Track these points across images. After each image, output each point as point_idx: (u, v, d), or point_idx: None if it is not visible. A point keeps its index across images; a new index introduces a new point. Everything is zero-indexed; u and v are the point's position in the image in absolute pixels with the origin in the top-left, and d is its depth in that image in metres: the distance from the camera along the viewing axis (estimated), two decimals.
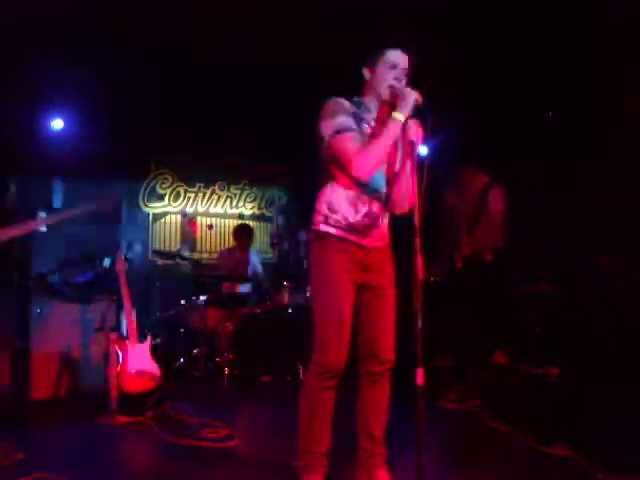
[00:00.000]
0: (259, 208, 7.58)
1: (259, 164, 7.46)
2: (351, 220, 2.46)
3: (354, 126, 2.43)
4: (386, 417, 2.56)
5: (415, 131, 2.39)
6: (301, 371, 4.77)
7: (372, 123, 2.51)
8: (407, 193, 2.44)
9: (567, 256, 5.02)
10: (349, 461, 2.60)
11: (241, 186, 7.48)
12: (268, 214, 7.62)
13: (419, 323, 2.13)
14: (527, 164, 5.15)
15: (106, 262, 4.31)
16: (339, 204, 2.47)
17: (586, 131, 4.87)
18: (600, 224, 4.65)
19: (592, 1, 4.04)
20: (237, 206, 7.42)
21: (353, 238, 2.47)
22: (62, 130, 5.92)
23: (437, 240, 4.83)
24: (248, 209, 7.48)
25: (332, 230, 2.47)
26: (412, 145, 2.38)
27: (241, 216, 7.11)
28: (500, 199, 4.57)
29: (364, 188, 2.46)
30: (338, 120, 2.41)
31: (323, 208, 2.50)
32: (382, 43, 2.49)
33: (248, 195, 7.51)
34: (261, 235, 7.34)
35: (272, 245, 6.83)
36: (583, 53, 4.49)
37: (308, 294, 5.21)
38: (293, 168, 7.37)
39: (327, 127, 2.43)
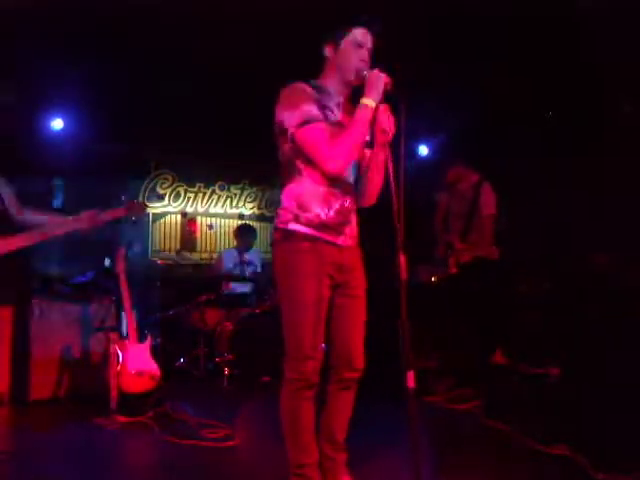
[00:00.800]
0: (259, 208, 7.58)
1: (259, 164, 7.46)
2: (324, 217, 2.25)
3: (320, 116, 2.20)
4: (348, 423, 2.42)
5: (387, 118, 2.21)
6: None
7: (335, 110, 2.29)
8: (376, 186, 2.30)
9: (565, 255, 5.02)
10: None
11: (241, 186, 7.48)
12: (268, 214, 7.62)
13: (405, 325, 2.03)
14: (524, 162, 5.16)
15: (106, 262, 4.31)
16: (309, 201, 2.25)
17: (583, 129, 4.87)
18: (598, 223, 4.66)
19: (592, 1, 4.05)
20: (237, 206, 7.42)
21: (327, 237, 2.26)
22: (62, 130, 5.92)
23: (431, 240, 4.80)
24: (248, 209, 7.48)
25: (303, 229, 2.25)
26: (384, 133, 2.21)
27: (241, 216, 7.12)
28: (491, 200, 4.42)
29: (335, 182, 2.26)
30: (302, 109, 2.18)
31: (292, 206, 2.28)
32: (347, 21, 2.28)
33: (248, 195, 7.51)
34: (261, 235, 7.34)
35: (272, 245, 6.82)
36: (581, 52, 4.49)
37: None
38: None
39: (290, 118, 2.20)
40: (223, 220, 7.32)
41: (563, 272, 4.97)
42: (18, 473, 2.70)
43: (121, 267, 3.98)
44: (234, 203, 7.41)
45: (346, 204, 2.31)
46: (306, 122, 2.18)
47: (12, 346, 3.78)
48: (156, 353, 4.01)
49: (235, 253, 5.96)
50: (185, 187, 7.09)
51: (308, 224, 2.26)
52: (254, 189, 7.54)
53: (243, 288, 5.68)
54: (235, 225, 6.75)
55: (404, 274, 2.08)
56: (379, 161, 2.30)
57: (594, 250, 4.74)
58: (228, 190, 7.37)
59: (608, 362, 4.06)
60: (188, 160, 7.01)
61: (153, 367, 3.84)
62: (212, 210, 7.26)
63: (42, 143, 5.77)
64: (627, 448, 2.98)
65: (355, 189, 2.38)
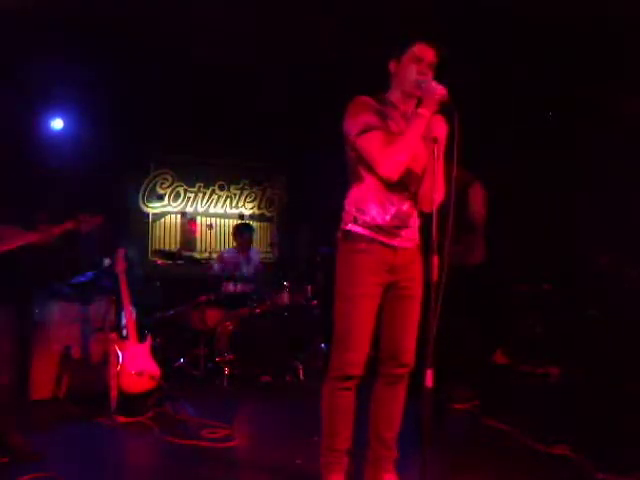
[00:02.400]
0: (259, 208, 7.58)
1: (259, 164, 7.47)
2: (380, 221, 2.41)
3: (379, 124, 2.36)
4: (399, 421, 2.52)
5: (439, 127, 2.34)
6: (301, 371, 4.77)
7: (400, 121, 2.43)
8: (432, 192, 2.32)
9: (566, 256, 5.02)
10: (359, 461, 2.58)
11: (241, 186, 7.47)
12: (268, 214, 7.62)
13: (434, 325, 2.12)
14: (526, 164, 5.16)
15: (106, 262, 4.31)
16: (367, 205, 2.42)
17: (585, 131, 4.87)
18: (599, 224, 4.66)
19: (592, 1, 4.04)
20: (237, 206, 7.42)
21: (382, 238, 2.41)
22: (62, 130, 5.92)
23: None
24: (248, 209, 7.48)
25: (360, 230, 2.42)
26: (436, 142, 2.31)
27: (241, 216, 7.11)
28: (481, 199, 4.29)
29: (392, 188, 2.40)
30: (362, 119, 2.36)
31: (351, 208, 2.46)
32: (408, 36, 2.42)
33: (248, 195, 7.51)
34: (261, 235, 7.34)
35: (272, 245, 6.82)
36: (583, 53, 4.49)
37: (308, 294, 5.21)
38: (293, 168, 7.38)
39: (352, 127, 2.38)
40: (223, 220, 7.32)
41: (563, 272, 4.97)
42: (18, 473, 2.70)
43: (121, 267, 3.98)
44: (234, 203, 7.41)
45: (404, 208, 2.44)
46: (365, 130, 2.35)
47: (12, 346, 3.77)
48: (156, 353, 4.01)
49: (235, 253, 5.96)
50: (185, 187, 7.08)
51: (365, 226, 2.42)
52: (254, 189, 7.54)
53: (243, 288, 5.68)
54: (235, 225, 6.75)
55: (436, 275, 2.16)
56: (430, 169, 2.39)
57: (595, 250, 4.74)
58: (228, 190, 7.37)
59: (608, 362, 4.06)
60: (188, 160, 7.02)
61: (153, 367, 3.84)
62: (212, 210, 7.26)
63: (42, 143, 5.77)
64: (627, 448, 2.99)
65: (415, 195, 2.49)
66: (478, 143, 5.37)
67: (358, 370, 2.39)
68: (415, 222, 2.51)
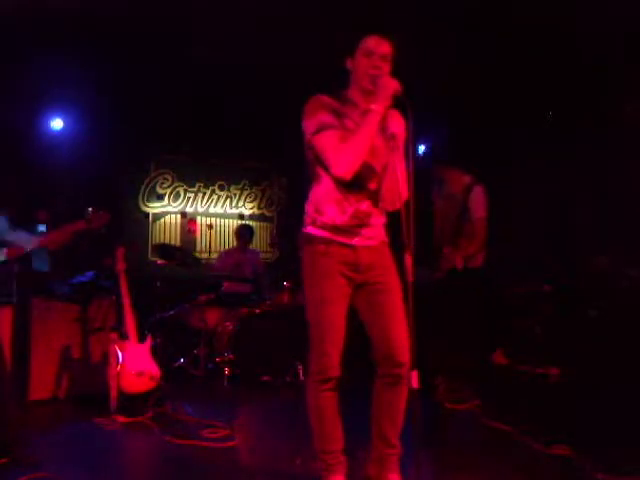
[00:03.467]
0: (259, 208, 7.58)
1: (259, 164, 7.47)
2: (338, 221, 2.37)
3: (334, 123, 2.32)
4: (402, 419, 2.47)
5: (396, 123, 2.30)
6: (301, 371, 4.77)
7: (356, 118, 2.36)
8: (395, 189, 2.30)
9: (566, 256, 5.02)
10: (360, 462, 2.59)
11: (241, 186, 7.48)
12: (268, 214, 7.63)
13: (412, 326, 2.08)
14: (526, 164, 5.16)
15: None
16: (325, 205, 2.39)
17: (586, 131, 4.87)
18: (599, 224, 4.66)
19: (593, 4, 4.04)
20: (237, 206, 7.42)
21: (340, 239, 2.38)
22: (62, 130, 5.92)
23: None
24: (248, 209, 7.48)
25: (319, 232, 2.40)
26: (393, 138, 2.29)
27: (241, 216, 7.11)
28: (482, 203, 4.22)
29: (350, 187, 2.35)
30: (318, 118, 2.32)
31: (310, 210, 2.45)
32: (359, 32, 2.38)
33: (248, 195, 7.52)
34: (261, 235, 7.34)
35: (272, 245, 6.83)
36: (584, 53, 4.49)
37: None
38: (293, 168, 7.37)
39: (308, 126, 2.35)
40: (223, 220, 7.32)
41: (563, 273, 4.97)
42: (17, 473, 2.69)
43: (121, 267, 3.97)
44: (234, 203, 7.41)
45: (362, 207, 2.39)
46: (320, 130, 2.31)
47: (12, 346, 3.78)
48: (156, 353, 4.00)
49: (235, 253, 5.96)
50: (185, 187, 7.09)
51: (323, 227, 2.40)
52: (254, 189, 7.54)
53: (243, 288, 5.68)
54: (235, 225, 6.75)
55: (411, 276, 2.11)
56: (392, 165, 2.34)
57: (595, 251, 4.74)
58: (228, 190, 7.38)
59: (608, 362, 4.06)
60: (188, 160, 7.02)
61: (153, 367, 3.83)
62: (212, 210, 7.27)
63: (42, 143, 5.77)
64: (627, 448, 2.99)
65: (374, 193, 2.43)
66: (478, 143, 5.38)
67: (336, 372, 2.39)
68: (377, 220, 2.46)
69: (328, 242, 2.39)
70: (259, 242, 7.15)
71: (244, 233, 6.03)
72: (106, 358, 3.94)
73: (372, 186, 2.42)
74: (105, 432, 3.46)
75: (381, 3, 4.10)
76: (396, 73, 2.31)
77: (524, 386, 4.42)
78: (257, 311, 5.06)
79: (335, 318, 2.39)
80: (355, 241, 2.39)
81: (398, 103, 2.24)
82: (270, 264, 6.86)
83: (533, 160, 5.16)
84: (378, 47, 2.33)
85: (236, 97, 5.70)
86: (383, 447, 2.49)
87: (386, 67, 2.33)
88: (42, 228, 5.79)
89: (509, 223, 5.12)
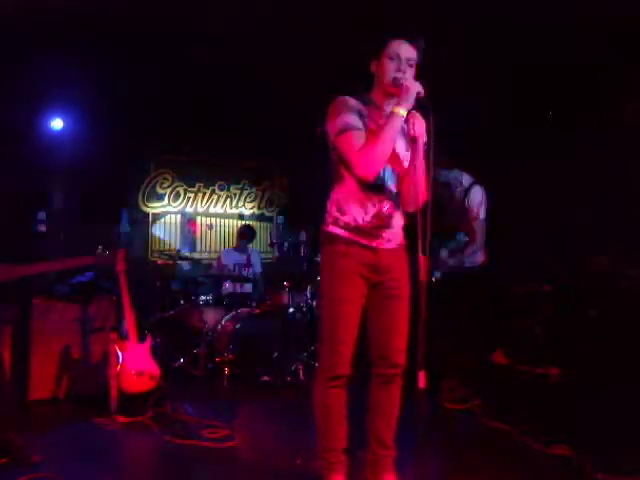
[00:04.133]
0: (259, 208, 7.59)
1: (259, 164, 7.47)
2: (360, 222, 2.40)
3: (358, 124, 2.35)
4: (395, 422, 2.52)
5: (417, 125, 2.33)
6: (301, 371, 4.77)
7: (379, 120, 2.40)
8: (415, 191, 2.33)
9: (566, 256, 5.02)
10: (359, 462, 2.59)
11: (241, 186, 7.48)
12: (268, 214, 7.63)
13: (423, 326, 2.12)
14: (526, 164, 5.16)
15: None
16: (348, 205, 2.42)
17: (586, 131, 4.87)
18: (599, 224, 4.66)
19: (593, 4, 4.04)
20: (237, 206, 7.42)
21: (361, 240, 2.41)
22: (62, 130, 5.92)
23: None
24: (248, 209, 7.48)
25: (340, 232, 2.43)
26: (414, 141, 2.33)
27: (241, 216, 7.12)
28: (480, 203, 4.16)
29: (372, 188, 2.39)
30: (342, 119, 2.35)
31: (333, 209, 2.47)
32: (386, 34, 2.39)
33: (248, 195, 7.52)
34: (261, 235, 7.34)
35: (272, 245, 6.82)
36: (584, 53, 4.49)
37: (308, 294, 5.21)
38: (293, 168, 7.38)
39: (332, 127, 2.38)
40: (223, 220, 7.32)
41: (563, 273, 4.97)
42: (17, 473, 2.70)
43: (121, 267, 3.97)
44: (234, 203, 7.42)
45: (384, 209, 2.42)
46: (343, 130, 2.34)
47: (12, 346, 3.78)
48: (156, 353, 4.00)
49: (235, 253, 5.97)
50: (185, 187, 7.09)
51: (345, 227, 2.43)
52: (254, 189, 7.55)
53: (243, 288, 5.68)
54: (235, 225, 6.76)
55: (424, 275, 2.15)
56: (413, 167, 2.39)
57: (597, 252, 4.73)
58: (228, 190, 7.38)
59: (608, 362, 4.06)
60: (188, 160, 7.02)
61: (153, 367, 3.83)
62: (212, 210, 7.27)
63: (42, 143, 5.77)
64: (627, 448, 2.99)
65: (396, 195, 2.48)
66: (478, 143, 5.38)
67: (346, 369, 2.42)
68: (398, 222, 2.50)
69: (349, 243, 2.42)
70: (259, 242, 7.15)
71: (246, 233, 6.04)
72: (106, 358, 3.94)
73: (394, 188, 2.47)
74: (105, 432, 3.46)
75: (381, 3, 4.10)
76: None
77: (524, 386, 4.41)
78: (257, 311, 5.06)
79: (350, 317, 2.42)
80: (376, 243, 2.43)
81: (420, 106, 2.28)
82: (270, 264, 6.86)
83: (533, 160, 5.15)
84: (404, 51, 2.35)
85: (236, 97, 5.69)
86: (377, 448, 2.52)
87: (411, 71, 2.36)
88: (43, 228, 5.80)
89: (509, 223, 5.12)
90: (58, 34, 4.54)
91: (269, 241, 7.18)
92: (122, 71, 5.12)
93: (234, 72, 5.28)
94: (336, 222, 2.44)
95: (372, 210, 2.41)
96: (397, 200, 2.48)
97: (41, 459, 2.89)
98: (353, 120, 2.35)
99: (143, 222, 6.85)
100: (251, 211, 7.51)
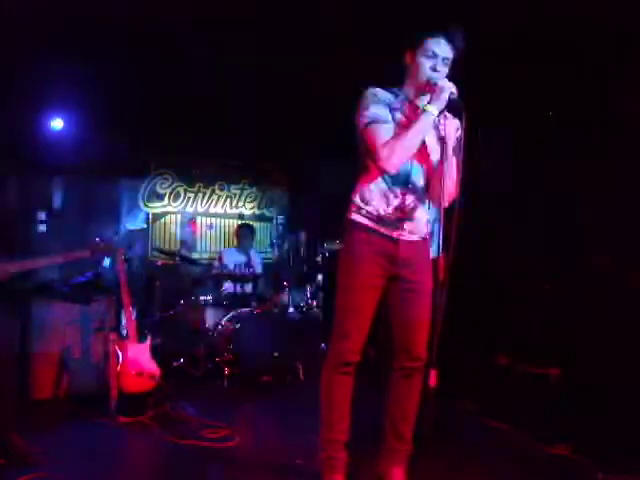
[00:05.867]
0: (259, 208, 7.58)
1: (259, 164, 7.47)
2: (382, 212, 2.45)
3: (386, 117, 2.38)
4: (414, 416, 2.54)
5: (448, 126, 2.36)
6: (301, 371, 4.77)
7: (411, 114, 2.43)
8: (441, 189, 2.33)
9: (567, 255, 5.01)
10: (371, 452, 2.61)
11: (241, 186, 7.48)
12: (268, 214, 7.63)
13: (439, 325, 2.16)
14: (526, 164, 5.15)
15: (106, 262, 4.31)
16: (371, 196, 2.46)
17: (586, 131, 4.87)
18: (601, 224, 4.65)
19: (593, 4, 4.04)
20: (237, 206, 7.42)
21: (383, 230, 2.46)
22: (62, 130, 5.91)
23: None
24: (248, 209, 7.48)
25: (363, 220, 2.47)
26: (443, 141, 2.36)
27: (241, 216, 7.11)
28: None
29: (396, 180, 2.43)
30: (370, 111, 2.37)
31: (356, 199, 2.51)
32: (426, 28, 2.39)
33: (248, 195, 7.52)
34: (261, 235, 7.34)
35: (272, 245, 6.82)
36: (584, 52, 4.49)
37: (308, 294, 5.21)
38: (293, 168, 7.38)
39: (360, 119, 2.40)
40: (223, 220, 7.32)
41: (565, 273, 4.97)
42: (17, 473, 2.70)
43: (121, 267, 3.98)
44: (234, 203, 7.41)
45: (407, 201, 2.46)
46: (370, 122, 2.36)
47: (12, 346, 3.77)
48: (156, 353, 4.00)
49: (235, 252, 5.97)
50: (185, 187, 7.08)
51: (367, 216, 2.47)
52: (254, 189, 7.55)
53: (243, 288, 5.68)
54: (235, 225, 6.75)
55: (442, 275, 2.19)
56: (437, 167, 2.43)
57: (598, 251, 4.73)
58: (228, 190, 7.37)
59: (608, 362, 4.06)
60: (188, 160, 7.02)
61: (153, 367, 3.84)
62: (212, 210, 7.26)
63: (42, 143, 5.77)
64: (627, 448, 2.99)
65: (422, 189, 2.51)
66: (478, 143, 5.37)
67: (355, 357, 2.47)
68: (421, 216, 2.52)
69: (371, 231, 2.46)
70: (259, 242, 7.15)
71: (245, 233, 6.03)
72: (106, 358, 3.94)
73: (419, 182, 2.50)
74: (105, 432, 3.46)
75: (381, 4, 4.10)
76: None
77: (524, 386, 4.41)
78: (257, 311, 5.07)
79: (364, 305, 2.45)
80: (396, 234, 2.47)
81: (453, 106, 2.30)
82: (270, 264, 6.86)
83: (533, 160, 5.15)
84: (442, 50, 2.36)
85: (236, 97, 5.69)
86: (394, 441, 2.54)
87: (445, 70, 2.37)
88: (43, 228, 5.80)
89: (509, 223, 5.12)
90: (58, 34, 4.54)
91: (269, 241, 7.19)
92: (122, 71, 5.12)
93: (234, 72, 5.28)
94: (359, 211, 2.49)
95: (394, 202, 2.45)
96: (422, 194, 2.50)
97: (41, 459, 2.90)
98: (380, 112, 2.37)
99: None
100: (251, 211, 7.50)
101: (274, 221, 7.60)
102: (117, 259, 4.02)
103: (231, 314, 5.02)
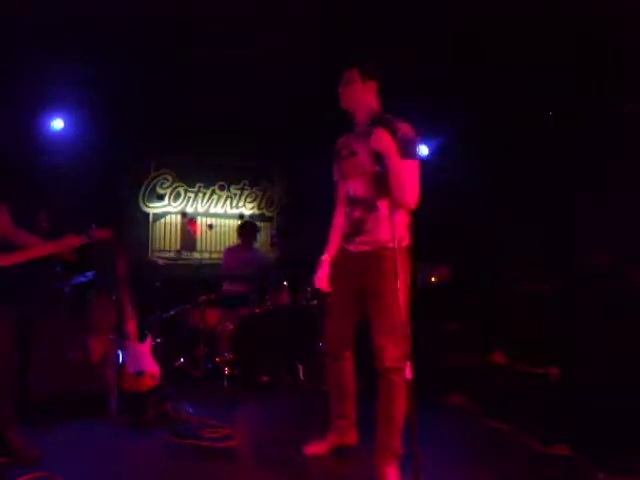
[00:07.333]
0: (259, 208, 7.58)
1: (259, 164, 7.46)
2: (345, 229, 2.85)
3: (336, 175, 2.99)
4: (393, 418, 2.61)
5: (378, 140, 2.48)
6: (301, 371, 4.77)
7: (354, 143, 2.81)
8: (398, 192, 2.51)
9: (566, 256, 5.02)
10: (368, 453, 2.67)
11: (241, 186, 7.47)
12: (268, 214, 7.62)
13: (407, 320, 2.37)
14: (526, 164, 5.16)
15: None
16: (342, 218, 2.93)
17: (586, 131, 4.87)
18: (599, 224, 4.66)
19: (593, 4, 4.04)
20: (237, 206, 7.42)
21: (344, 244, 2.85)
22: (62, 130, 5.91)
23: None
24: (248, 209, 7.48)
25: (339, 240, 2.92)
26: (381, 154, 2.49)
27: (241, 216, 7.10)
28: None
29: (349, 199, 2.82)
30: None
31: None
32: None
33: (248, 195, 7.51)
34: (261, 235, 7.34)
35: (272, 245, 6.82)
36: (585, 52, 4.49)
37: (308, 294, 5.20)
38: (293, 168, 7.38)
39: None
40: (223, 220, 7.32)
41: (564, 272, 4.97)
42: (17, 473, 2.70)
43: (122, 267, 3.97)
44: (234, 203, 7.41)
45: (355, 216, 2.76)
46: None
47: (12, 346, 3.77)
48: (156, 353, 4.00)
49: (237, 251, 5.94)
50: (185, 187, 7.08)
51: (342, 235, 2.90)
52: (254, 189, 7.54)
53: (243, 288, 5.67)
54: (235, 225, 6.74)
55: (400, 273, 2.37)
56: (385, 177, 2.56)
57: (597, 252, 4.73)
58: (228, 190, 7.37)
59: (608, 362, 4.06)
60: (188, 160, 7.02)
61: (153, 367, 3.83)
62: (212, 210, 7.26)
63: (42, 143, 5.77)
64: (627, 447, 2.99)
65: (369, 203, 2.72)
66: (479, 143, 5.39)
67: (333, 353, 2.95)
68: (374, 226, 2.69)
69: (340, 247, 2.88)
70: (259, 242, 7.14)
71: (247, 231, 5.99)
72: (106, 358, 3.94)
73: (363, 195, 2.73)
74: (105, 432, 3.46)
75: (381, 5, 4.10)
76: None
77: (524, 386, 4.42)
78: (257, 311, 5.06)
79: (335, 305, 2.88)
80: (350, 246, 2.80)
81: (381, 122, 2.51)
82: (270, 264, 6.85)
83: (533, 160, 5.15)
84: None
85: (236, 97, 5.69)
86: (381, 439, 2.66)
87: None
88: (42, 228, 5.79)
89: (509, 223, 5.12)
90: (58, 34, 4.54)
91: (269, 241, 7.18)
92: (122, 71, 5.12)
93: (234, 71, 5.28)
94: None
95: (348, 218, 2.82)
96: (369, 205, 2.71)
97: (41, 458, 2.90)
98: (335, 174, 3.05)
99: (143, 222, 6.84)
100: (251, 211, 7.50)
101: (274, 221, 7.59)
102: (118, 259, 4.01)
103: (231, 314, 5.02)
